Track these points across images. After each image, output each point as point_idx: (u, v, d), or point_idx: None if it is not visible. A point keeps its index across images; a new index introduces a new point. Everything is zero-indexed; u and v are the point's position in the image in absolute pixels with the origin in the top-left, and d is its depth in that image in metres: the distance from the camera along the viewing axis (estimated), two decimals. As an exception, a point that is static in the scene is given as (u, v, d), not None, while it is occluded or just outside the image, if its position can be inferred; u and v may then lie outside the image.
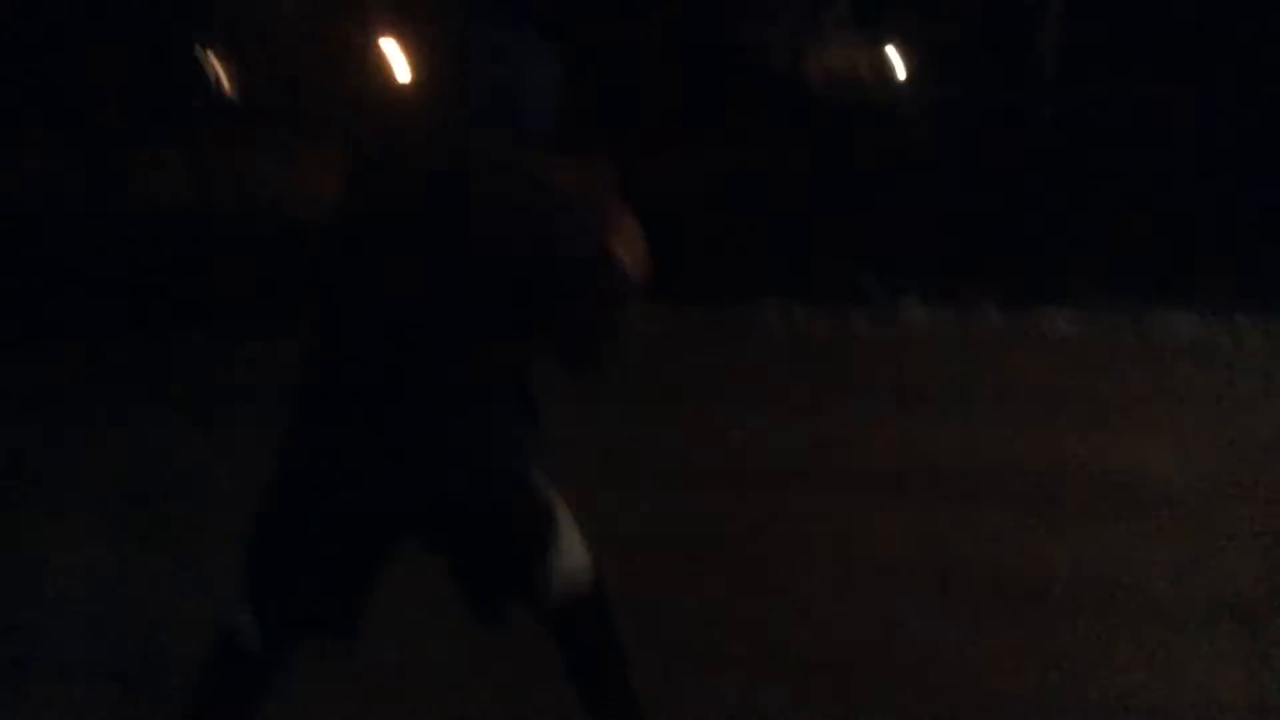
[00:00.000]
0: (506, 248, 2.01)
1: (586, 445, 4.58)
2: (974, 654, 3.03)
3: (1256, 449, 4.64)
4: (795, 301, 7.37)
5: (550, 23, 2.44)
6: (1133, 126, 17.09)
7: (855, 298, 7.55)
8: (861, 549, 3.71)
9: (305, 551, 2.05)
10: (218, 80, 16.08)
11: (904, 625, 3.21)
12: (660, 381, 5.71)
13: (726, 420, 5.08)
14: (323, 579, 2.06)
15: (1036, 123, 7.89)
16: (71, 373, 5.95)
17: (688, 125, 19.84)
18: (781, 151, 20.54)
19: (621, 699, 2.21)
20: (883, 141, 21.77)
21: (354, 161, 2.25)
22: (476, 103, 2.10)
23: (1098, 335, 6.78)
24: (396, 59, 13.60)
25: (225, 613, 2.10)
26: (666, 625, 3.05)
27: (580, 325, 2.11)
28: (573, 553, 2.15)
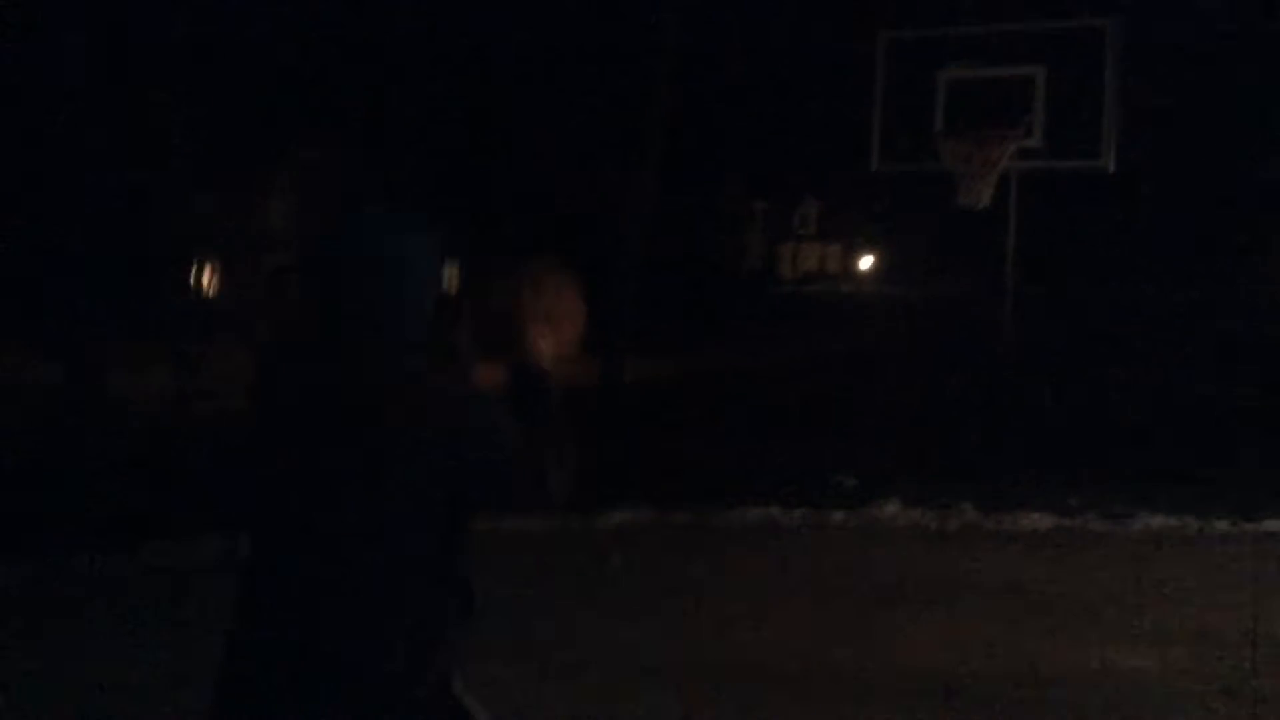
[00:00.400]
0: (410, 462, 1.99)
1: (575, 644, 4.67)
2: None
3: (1227, 643, 4.75)
4: (776, 504, 7.54)
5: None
6: (1095, 331, 17.83)
7: (833, 499, 7.75)
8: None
9: None
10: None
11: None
12: (635, 582, 5.83)
13: (703, 617, 5.17)
14: None
15: (1001, 326, 8.26)
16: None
17: (666, 329, 20.46)
18: (756, 351, 21.12)
19: None
20: (851, 341, 22.41)
21: (258, 371, 2.20)
22: (349, 314, 2.07)
23: (1069, 531, 6.95)
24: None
25: None
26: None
27: (513, 491, 2.09)
28: None
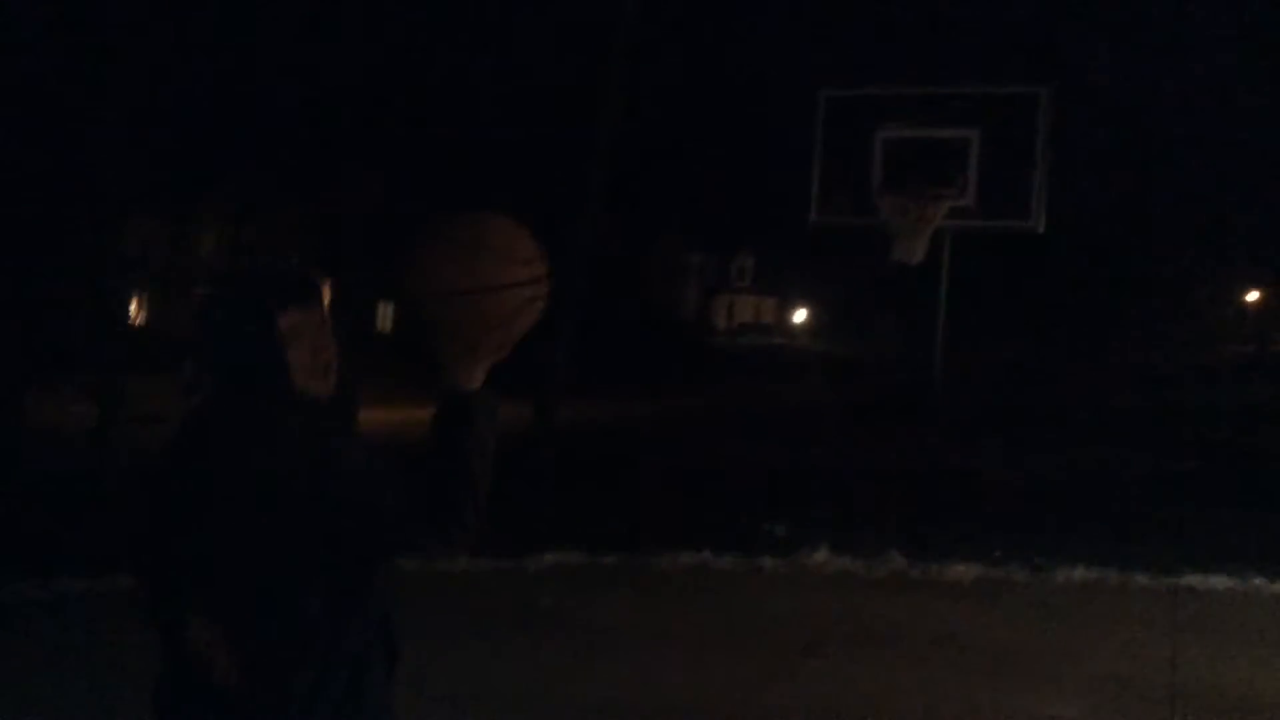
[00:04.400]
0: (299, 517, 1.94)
1: (496, 685, 4.62)
2: None
3: (1147, 694, 4.85)
4: (707, 549, 7.56)
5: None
6: (1022, 388, 18.27)
7: (764, 545, 7.79)
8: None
9: None
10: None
11: None
12: (570, 627, 5.81)
13: (638, 663, 5.15)
14: None
15: (931, 381, 8.42)
16: None
17: (600, 376, 20.52)
18: (689, 400, 21.24)
19: None
20: (784, 392, 22.65)
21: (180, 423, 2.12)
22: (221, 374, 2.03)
23: (994, 581, 7.07)
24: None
25: None
26: None
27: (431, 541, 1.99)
28: None
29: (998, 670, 5.21)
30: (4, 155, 12.11)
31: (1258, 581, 6.81)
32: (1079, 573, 7.18)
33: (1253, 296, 38.55)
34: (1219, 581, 6.83)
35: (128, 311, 27.15)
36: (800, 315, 52.64)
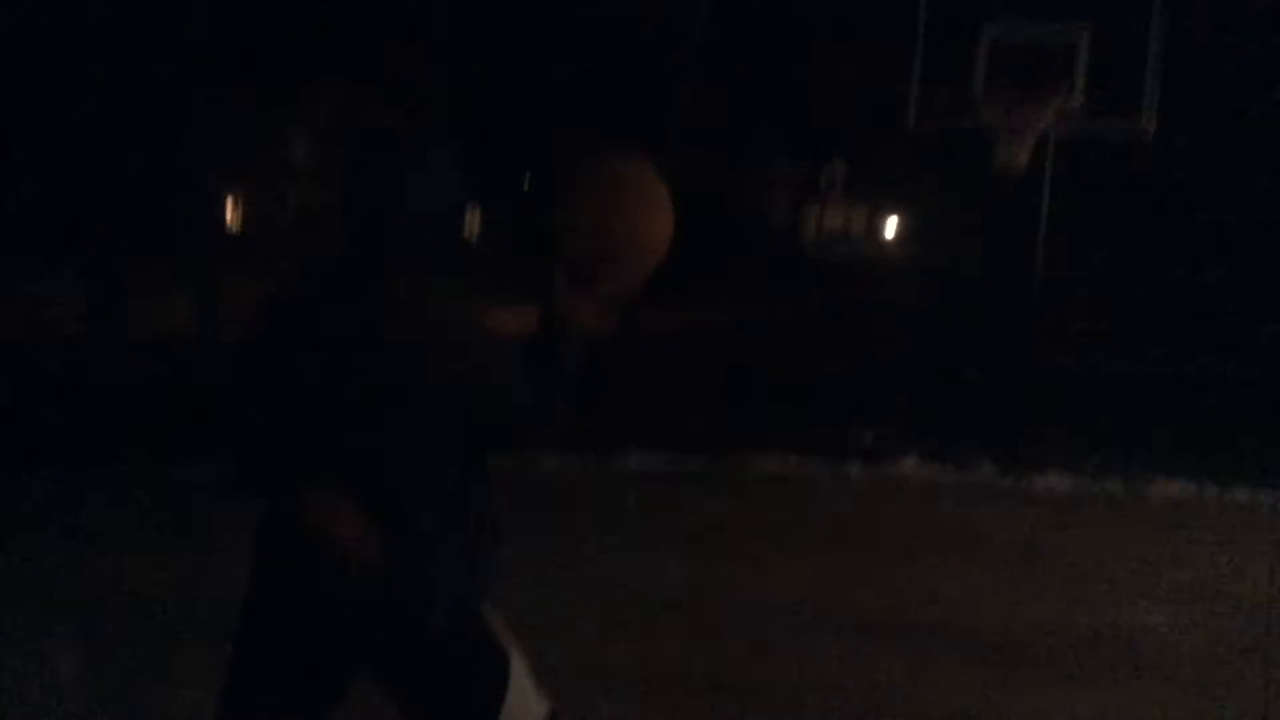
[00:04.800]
0: (431, 376, 2.00)
1: (582, 586, 4.74)
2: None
3: (1244, 606, 4.78)
4: (793, 454, 7.57)
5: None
6: (1126, 300, 17.75)
7: (851, 452, 7.78)
8: (856, 692, 3.81)
9: (266, 685, 2.10)
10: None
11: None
12: (664, 526, 5.90)
13: (728, 564, 5.23)
14: (286, 690, 2.09)
15: (1029, 291, 8.22)
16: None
17: (687, 279, 20.40)
18: (777, 309, 21.09)
19: None
20: (874, 302, 22.35)
21: (275, 289, 2.16)
22: (360, 226, 2.05)
23: (1087, 494, 6.98)
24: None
25: None
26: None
27: (524, 422, 2.09)
28: (524, 697, 2.15)
29: (1086, 579, 5.18)
30: (105, 61, 12.35)
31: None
32: (1175, 487, 7.05)
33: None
34: (1323, 497, 6.66)
35: (225, 214, 27.75)
36: (892, 225, 51.60)
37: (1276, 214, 17.31)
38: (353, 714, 2.25)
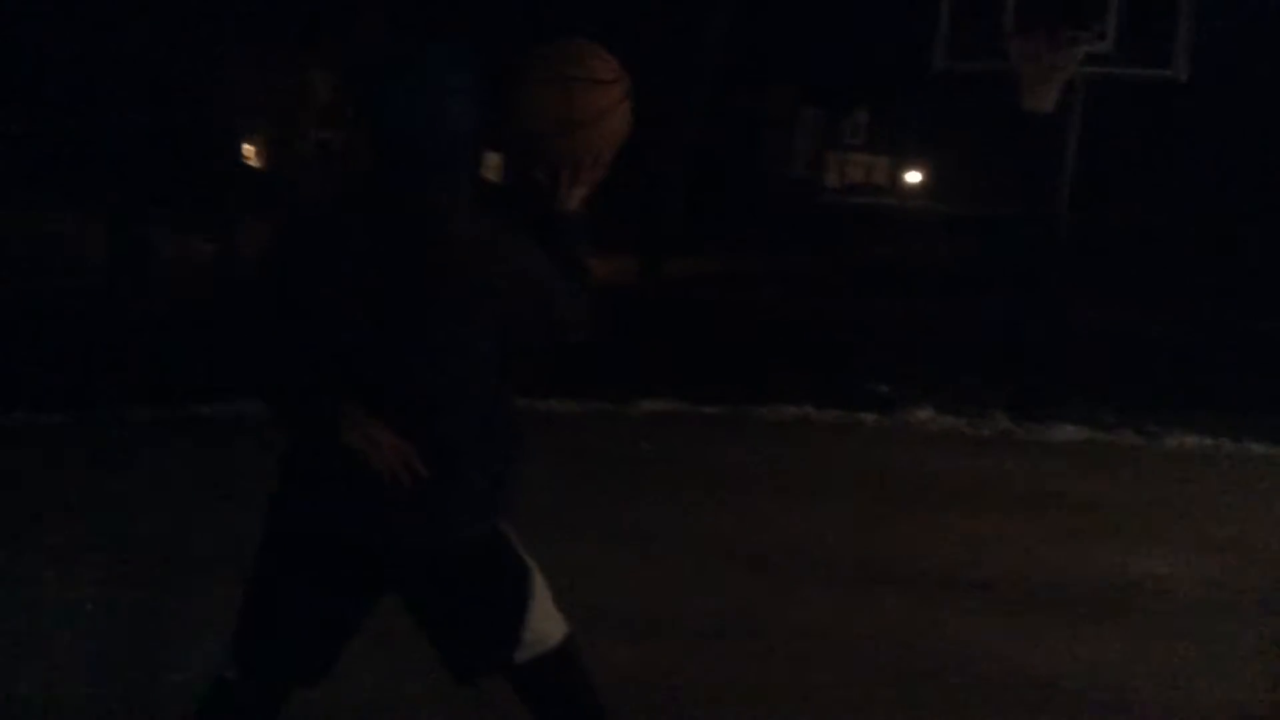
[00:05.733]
0: (476, 292, 1.99)
1: (600, 528, 4.75)
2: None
3: (1261, 558, 4.75)
4: (809, 403, 7.54)
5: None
6: (1147, 251, 17.54)
7: (867, 402, 7.75)
8: (865, 638, 3.81)
9: (287, 604, 2.11)
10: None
11: (902, 715, 3.29)
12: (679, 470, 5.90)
13: (734, 506, 5.23)
14: (303, 631, 2.12)
15: (1051, 241, 8.12)
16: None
17: (708, 230, 20.33)
18: (796, 257, 20.98)
19: None
20: (893, 252, 22.18)
21: (299, 208, 2.15)
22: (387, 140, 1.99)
23: (1103, 444, 6.93)
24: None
25: (217, 665, 2.20)
26: (667, 705, 3.19)
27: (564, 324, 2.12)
28: (546, 609, 2.17)
29: (1101, 529, 5.15)
30: (121, 4, 12.27)
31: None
32: (1192, 439, 7.00)
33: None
34: (1342, 451, 6.59)
35: (244, 155, 27.69)
36: (914, 175, 51.16)
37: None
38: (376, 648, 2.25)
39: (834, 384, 8.29)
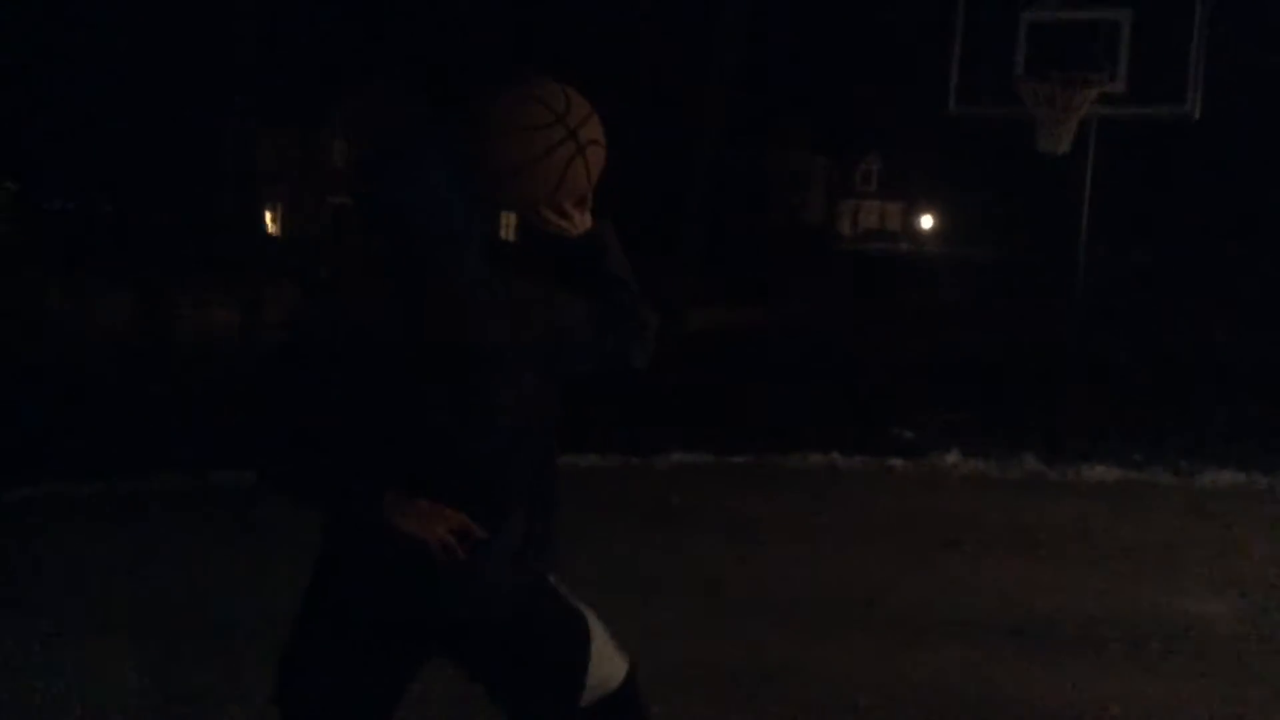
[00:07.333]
0: (514, 362, 1.99)
1: (637, 575, 4.72)
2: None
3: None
4: (835, 451, 7.52)
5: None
6: (1170, 288, 17.52)
7: (894, 448, 7.72)
8: (902, 683, 3.77)
9: (336, 665, 2.07)
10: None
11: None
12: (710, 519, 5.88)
13: (768, 554, 5.20)
14: (353, 693, 2.09)
15: (1072, 281, 8.11)
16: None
17: (725, 282, 20.40)
18: (812, 306, 21.00)
19: None
20: (911, 298, 22.17)
21: (316, 291, 2.12)
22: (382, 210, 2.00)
23: (1135, 484, 6.87)
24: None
25: None
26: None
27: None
28: (605, 652, 2.16)
29: (1138, 568, 5.10)
30: (146, 76, 12.54)
31: None
32: (1226, 476, 6.93)
33: None
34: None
35: (264, 222, 28.09)
36: (927, 221, 51.28)
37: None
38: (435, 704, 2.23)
39: (860, 430, 8.28)
